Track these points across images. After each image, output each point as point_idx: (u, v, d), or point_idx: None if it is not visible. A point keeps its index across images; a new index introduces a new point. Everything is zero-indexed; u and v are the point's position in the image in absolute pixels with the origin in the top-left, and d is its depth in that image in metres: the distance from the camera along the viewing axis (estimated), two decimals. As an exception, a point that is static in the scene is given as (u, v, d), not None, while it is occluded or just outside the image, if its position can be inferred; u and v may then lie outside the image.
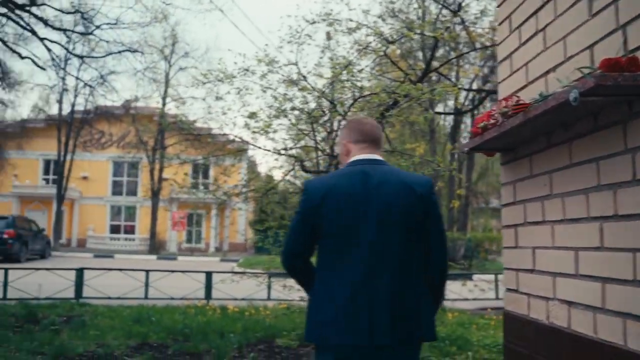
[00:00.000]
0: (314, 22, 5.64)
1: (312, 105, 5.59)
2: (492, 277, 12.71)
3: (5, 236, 20.83)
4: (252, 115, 5.99)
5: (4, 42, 12.29)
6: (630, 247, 1.75)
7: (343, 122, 5.64)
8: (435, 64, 7.88)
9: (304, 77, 5.70)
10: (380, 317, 2.01)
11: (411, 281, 2.07)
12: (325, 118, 6.01)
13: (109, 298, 9.75)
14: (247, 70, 5.82)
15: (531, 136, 2.32)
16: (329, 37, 7.05)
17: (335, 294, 2.09)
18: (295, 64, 5.68)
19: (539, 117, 1.92)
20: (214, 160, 7.65)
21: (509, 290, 2.63)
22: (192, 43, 48.83)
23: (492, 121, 2.28)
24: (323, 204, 2.17)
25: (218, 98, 6.25)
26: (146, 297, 10.04)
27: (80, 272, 10.18)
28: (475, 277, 13.04)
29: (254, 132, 6.22)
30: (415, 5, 7.76)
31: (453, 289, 10.43)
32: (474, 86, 19.07)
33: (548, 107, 1.82)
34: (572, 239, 2.07)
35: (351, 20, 6.11)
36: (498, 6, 2.80)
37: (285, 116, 5.89)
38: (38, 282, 9.73)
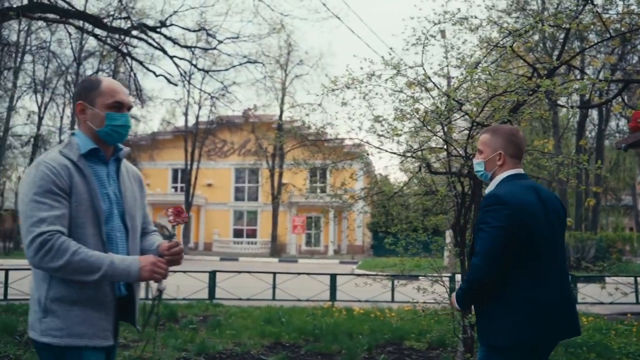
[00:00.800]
0: (438, 23, 5.56)
1: (441, 106, 5.52)
2: (630, 279, 11.86)
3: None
4: (377, 119, 6.03)
5: (141, 63, 13.27)
6: None
7: (480, 126, 5.53)
8: (564, 56, 7.51)
9: (429, 78, 5.65)
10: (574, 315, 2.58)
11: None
12: (456, 117, 5.92)
13: (240, 299, 10.24)
14: (372, 75, 5.86)
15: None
16: (443, 35, 6.94)
17: (542, 299, 2.43)
18: (422, 65, 5.63)
19: None
20: (332, 165, 7.79)
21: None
22: (308, 50, 50.06)
23: (654, 113, 2.14)
24: (524, 217, 2.44)
25: (344, 104, 6.34)
26: (274, 299, 10.44)
27: (212, 274, 10.79)
28: (608, 279, 12.20)
29: (379, 135, 6.25)
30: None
31: (586, 292, 9.87)
32: (601, 76, 17.89)
33: None
34: None
35: (475, 17, 5.96)
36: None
37: (411, 118, 5.87)
38: (175, 284, 10.42)
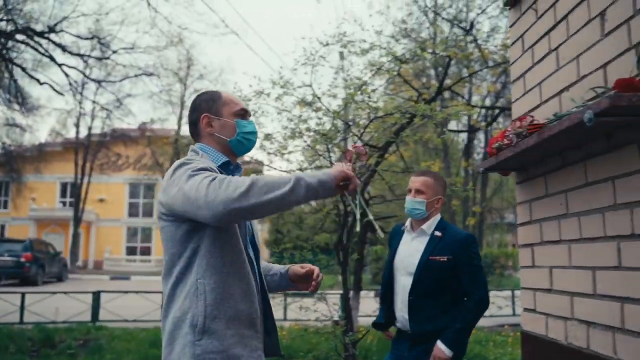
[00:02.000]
0: (327, 44, 5.69)
1: (328, 126, 5.62)
2: (508, 293, 12.60)
3: (23, 259, 20.97)
4: (268, 137, 6.03)
5: (23, 69, 12.53)
6: (648, 266, 1.74)
7: (369, 147, 5.64)
8: (448, 82, 7.92)
9: (319, 98, 5.74)
10: None
11: None
12: (340, 138, 6.04)
13: (126, 321, 9.78)
14: (261, 92, 5.87)
15: (546, 155, 2.33)
16: (342, 57, 7.10)
17: None
18: (310, 85, 5.72)
19: (553, 138, 1.92)
20: None
21: (526, 310, 2.61)
22: (207, 65, 49.42)
23: (506, 141, 2.28)
24: None
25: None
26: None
27: (97, 295, 10.23)
28: (491, 293, 12.92)
29: (269, 153, 6.25)
30: (428, 25, 7.81)
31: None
32: (487, 102, 19.04)
33: (563, 128, 1.83)
34: (590, 259, 2.06)
35: (364, 41, 6.15)
36: (510, 26, 2.82)
37: (301, 137, 5.93)
38: (55, 305, 9.80)
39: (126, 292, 11.00)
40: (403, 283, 3.05)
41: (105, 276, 28.79)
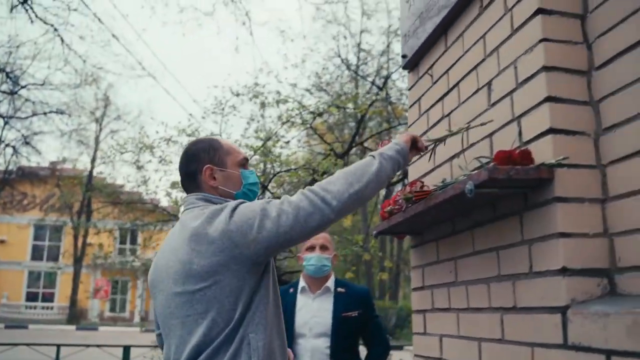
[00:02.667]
0: (238, 95, 5.63)
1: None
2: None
3: None
4: (174, 185, 5.83)
5: None
6: (528, 341, 1.70)
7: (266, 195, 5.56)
8: (362, 138, 8.02)
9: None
10: None
11: None
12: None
13: None
14: (169, 140, 5.70)
15: (437, 221, 2.30)
16: (263, 105, 7.06)
17: None
18: (220, 134, 5.61)
19: (439, 206, 1.89)
20: (144, 227, 7.34)
21: (417, 379, 2.54)
22: (125, 106, 48.31)
23: (397, 206, 2.24)
24: None
25: (139, 167, 6.06)
26: None
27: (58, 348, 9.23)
28: (405, 348, 12.89)
29: (175, 202, 6.04)
30: (343, 80, 7.95)
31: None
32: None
33: (447, 197, 1.80)
34: (476, 329, 2.02)
35: (278, 93, 6.15)
36: (409, 89, 2.84)
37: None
38: None
39: (15, 344, 10.15)
40: (313, 346, 2.95)
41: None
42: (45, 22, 11.84)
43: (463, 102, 2.22)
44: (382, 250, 24.45)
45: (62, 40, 12.42)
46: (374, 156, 1.88)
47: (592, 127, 1.70)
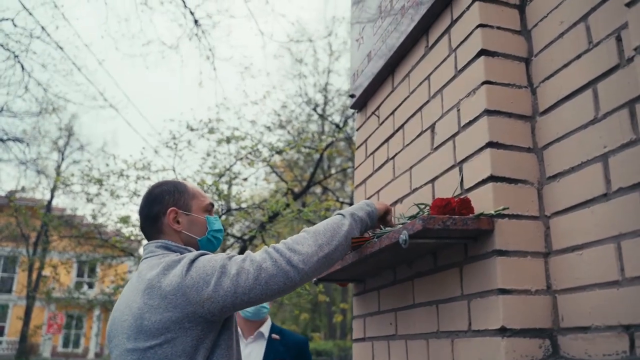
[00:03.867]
0: (193, 130, 5.48)
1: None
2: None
3: None
4: (123, 220, 5.59)
5: None
6: (466, 407, 1.56)
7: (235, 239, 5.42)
8: (325, 176, 7.93)
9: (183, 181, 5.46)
10: None
11: None
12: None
13: None
14: (120, 174, 5.49)
15: (378, 269, 2.17)
16: (228, 141, 6.91)
17: None
18: (173, 169, 5.43)
19: (375, 255, 1.76)
20: (102, 260, 7.06)
21: None
22: (89, 137, 47.53)
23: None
24: None
25: (88, 200, 5.83)
26: None
27: None
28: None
29: (127, 237, 5.81)
30: (304, 118, 7.88)
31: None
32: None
33: (382, 246, 1.67)
34: (414, 389, 1.87)
35: (236, 129, 6.02)
36: (357, 130, 2.74)
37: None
38: None
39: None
40: None
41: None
42: (5, 48, 11.57)
43: (407, 145, 2.12)
44: (343, 295, 24.18)
45: (23, 68, 12.15)
46: (344, 215, 1.75)
47: (536, 175, 1.60)
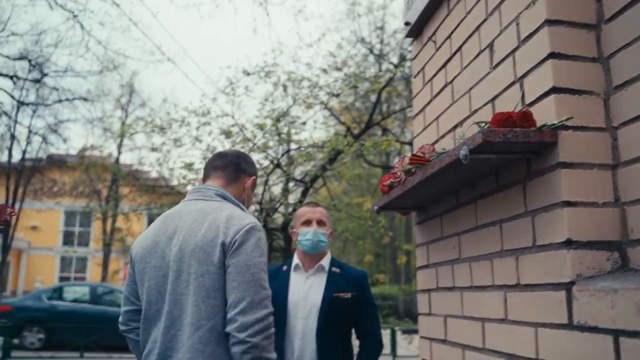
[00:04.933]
0: (249, 74, 5.50)
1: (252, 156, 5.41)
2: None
3: None
4: (187, 166, 5.75)
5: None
6: (532, 321, 1.57)
7: (295, 181, 5.48)
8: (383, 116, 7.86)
9: (241, 128, 5.52)
10: None
11: None
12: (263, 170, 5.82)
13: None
14: (182, 121, 5.61)
15: (440, 194, 2.16)
16: (285, 89, 6.94)
17: None
18: (232, 115, 5.50)
19: (436, 175, 1.75)
20: (168, 205, 7.33)
21: (423, 361, 2.41)
22: (150, 93, 48.49)
23: (397, 179, 2.11)
24: None
25: (153, 149, 6.01)
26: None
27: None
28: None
29: (190, 182, 5.98)
30: (359, 59, 7.74)
31: (401, 345, 10.24)
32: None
33: (443, 165, 1.66)
34: (479, 309, 1.89)
35: (291, 73, 6.01)
36: (413, 58, 2.69)
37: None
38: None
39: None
40: (302, 328, 2.82)
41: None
42: (64, 9, 11.85)
43: (465, 67, 2.07)
44: (408, 235, 24.22)
45: (82, 27, 12.46)
46: None
47: (602, 85, 1.54)
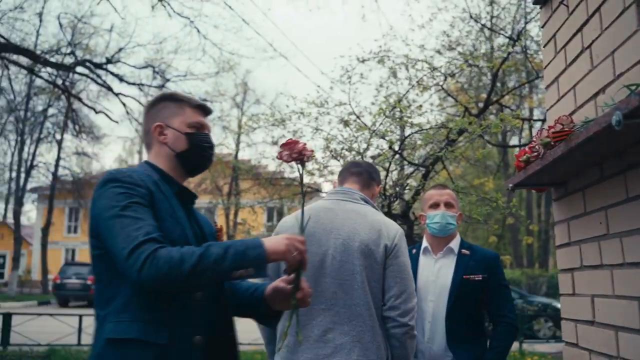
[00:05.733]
0: (363, 61, 5.49)
1: (365, 145, 5.41)
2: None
3: (89, 282, 21.74)
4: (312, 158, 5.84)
5: (79, 99, 12.95)
6: (702, 298, 1.43)
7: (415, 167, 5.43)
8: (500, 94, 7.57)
9: (357, 116, 5.54)
10: None
11: None
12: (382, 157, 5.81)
13: (39, 345, 8.88)
14: (301, 113, 5.73)
15: (581, 167, 2.03)
16: (395, 75, 6.90)
17: None
18: (349, 103, 5.53)
19: (582, 146, 1.65)
20: (289, 204, 7.57)
21: (567, 344, 2.29)
22: (263, 90, 49.94)
23: (534, 153, 2.01)
24: None
25: (274, 143, 6.19)
26: (79, 343, 9.35)
27: (7, 316, 9.27)
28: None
29: (309, 173, 6.09)
30: (473, 37, 7.49)
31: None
32: (535, 115, 18.24)
33: (590, 134, 1.55)
34: (635, 287, 1.75)
35: (406, 57, 5.92)
36: (542, 27, 2.54)
37: (341, 157, 5.74)
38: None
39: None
40: (432, 310, 2.79)
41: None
42: (181, 16, 12.48)
43: (606, 28, 1.92)
44: (529, 216, 23.22)
45: (198, 31, 13.07)
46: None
47: None
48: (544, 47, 2.53)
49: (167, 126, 1.85)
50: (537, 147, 1.95)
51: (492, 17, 7.95)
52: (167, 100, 1.92)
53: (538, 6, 2.58)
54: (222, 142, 19.32)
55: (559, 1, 2.32)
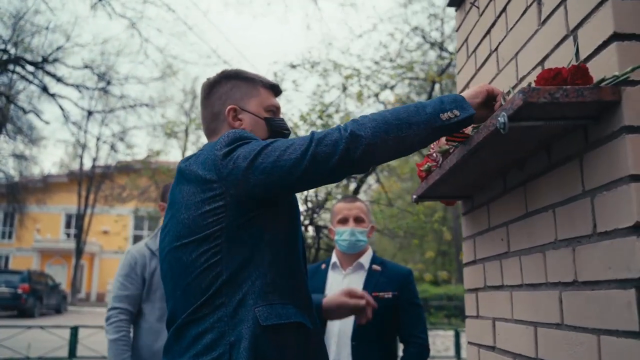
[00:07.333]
0: (294, 66, 5.31)
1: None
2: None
3: (20, 291, 20.75)
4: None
5: (8, 98, 12.34)
6: (593, 326, 1.27)
7: None
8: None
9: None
10: None
11: None
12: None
13: (104, 357, 9.23)
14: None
15: (487, 179, 1.87)
16: (324, 77, 6.74)
17: None
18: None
19: (474, 153, 1.48)
20: None
21: (470, 371, 2.12)
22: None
23: (434, 162, 1.84)
24: None
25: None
26: None
27: (74, 329, 9.72)
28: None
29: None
30: (410, 47, 7.45)
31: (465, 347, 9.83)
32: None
33: (480, 139, 1.38)
34: (531, 311, 1.59)
35: (334, 62, 5.77)
36: (456, 30, 2.40)
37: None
38: (26, 340, 9.34)
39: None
40: (338, 328, 2.59)
41: (105, 309, 28.29)
42: (123, 17, 12.10)
43: (511, 29, 1.77)
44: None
45: (140, 34, 12.70)
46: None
47: (678, 31, 1.23)
48: (457, 52, 2.38)
49: (241, 109, 1.64)
50: (434, 154, 1.78)
51: (430, 28, 7.94)
52: (236, 79, 1.70)
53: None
54: (163, 149, 18.76)
55: (470, 1, 2.18)
